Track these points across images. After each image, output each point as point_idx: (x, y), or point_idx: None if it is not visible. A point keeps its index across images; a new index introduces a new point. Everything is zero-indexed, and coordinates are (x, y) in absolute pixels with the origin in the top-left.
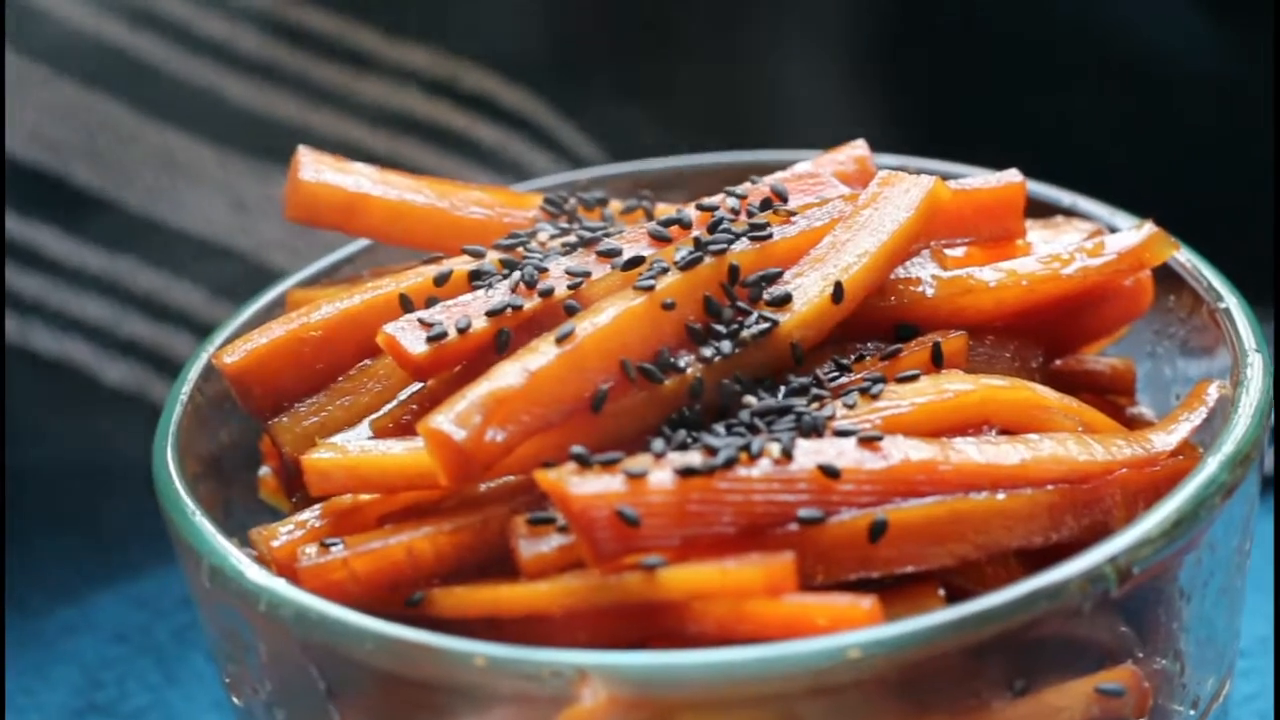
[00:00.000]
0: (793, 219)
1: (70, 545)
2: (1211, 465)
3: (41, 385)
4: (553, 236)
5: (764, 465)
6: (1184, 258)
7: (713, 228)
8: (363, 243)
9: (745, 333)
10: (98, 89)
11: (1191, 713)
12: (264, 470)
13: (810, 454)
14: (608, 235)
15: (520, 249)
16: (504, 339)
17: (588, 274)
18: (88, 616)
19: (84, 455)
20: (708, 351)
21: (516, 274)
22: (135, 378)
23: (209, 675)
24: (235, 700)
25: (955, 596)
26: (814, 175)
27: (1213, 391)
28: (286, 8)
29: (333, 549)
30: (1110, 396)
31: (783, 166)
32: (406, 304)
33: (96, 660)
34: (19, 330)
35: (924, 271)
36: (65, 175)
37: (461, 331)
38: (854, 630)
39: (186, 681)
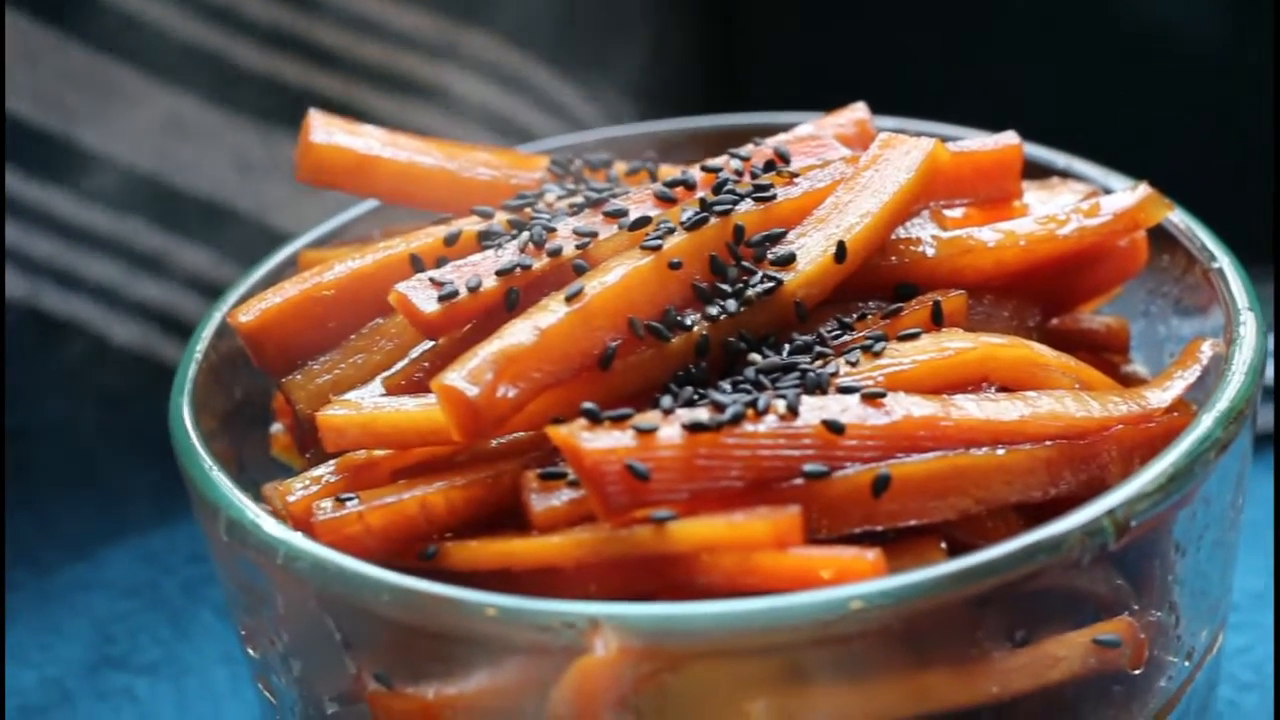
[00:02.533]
0: (795, 180)
1: (79, 502)
2: (1206, 421)
3: (51, 345)
4: (559, 197)
5: (770, 421)
6: (1178, 218)
7: (717, 189)
8: (370, 203)
9: (750, 291)
10: (106, 52)
11: (1186, 664)
12: (276, 427)
13: (815, 410)
14: (614, 196)
15: (528, 210)
16: (514, 298)
17: (595, 234)
18: (99, 572)
19: (93, 414)
20: (713, 310)
21: (525, 234)
22: (143, 337)
23: (218, 629)
24: (251, 652)
25: (956, 550)
26: (816, 137)
27: (1206, 349)
28: None
29: (348, 504)
30: (1105, 354)
31: (784, 129)
32: (418, 264)
33: (108, 615)
34: (29, 291)
35: (924, 232)
36: (74, 137)
37: (472, 290)
38: (859, 582)
39: (196, 635)
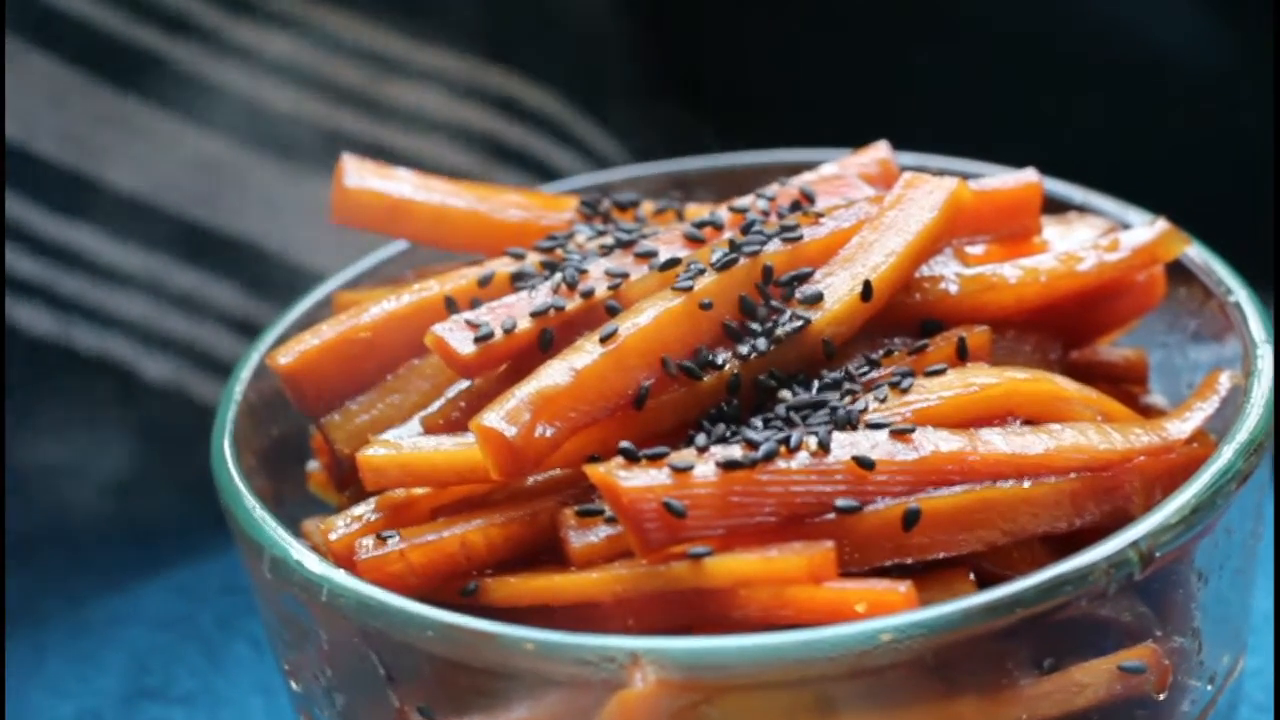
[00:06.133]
0: (821, 220)
1: (111, 536)
2: (1227, 453)
3: (83, 382)
4: (589, 238)
5: (802, 458)
6: (1194, 252)
7: (745, 229)
8: (402, 244)
9: (779, 330)
10: (135, 94)
11: (1209, 688)
12: (312, 464)
13: (845, 446)
14: (644, 237)
15: (559, 250)
16: (548, 338)
17: (626, 275)
18: (133, 605)
19: (124, 449)
20: (744, 349)
21: (558, 275)
22: (174, 373)
23: (252, 660)
24: (294, 686)
25: (984, 580)
26: (840, 177)
27: (1224, 381)
28: (317, 16)
29: (389, 541)
30: (1124, 385)
31: (807, 166)
32: (452, 305)
33: (144, 647)
34: (61, 329)
35: (947, 269)
36: (104, 179)
37: (507, 332)
38: (891, 615)
39: (231, 667)
